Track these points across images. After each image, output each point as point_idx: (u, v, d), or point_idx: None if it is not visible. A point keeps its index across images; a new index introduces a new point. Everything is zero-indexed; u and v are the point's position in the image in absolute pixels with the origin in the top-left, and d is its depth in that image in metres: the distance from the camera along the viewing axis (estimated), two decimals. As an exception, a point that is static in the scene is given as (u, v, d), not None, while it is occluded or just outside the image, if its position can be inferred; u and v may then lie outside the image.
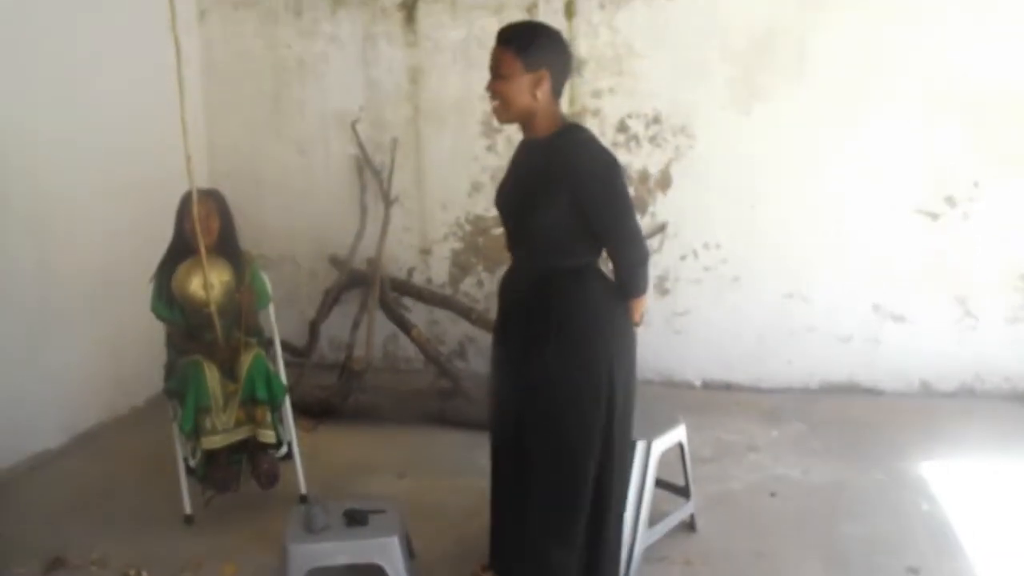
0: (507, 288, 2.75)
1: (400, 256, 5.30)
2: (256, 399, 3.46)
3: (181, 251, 3.59)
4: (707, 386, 5.02)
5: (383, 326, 5.10)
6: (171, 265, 3.60)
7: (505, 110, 2.52)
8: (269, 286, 3.84)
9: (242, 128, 5.37)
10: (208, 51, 5.33)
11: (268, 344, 3.88)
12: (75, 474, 4.06)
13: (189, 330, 3.62)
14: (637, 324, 2.68)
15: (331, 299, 5.12)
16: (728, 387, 5.01)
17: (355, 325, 4.87)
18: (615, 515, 2.69)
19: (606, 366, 2.52)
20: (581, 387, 2.52)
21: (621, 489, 2.72)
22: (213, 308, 3.45)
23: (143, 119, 4.60)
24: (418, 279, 5.30)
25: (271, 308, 3.88)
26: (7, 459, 4.00)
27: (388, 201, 5.15)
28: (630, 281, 2.60)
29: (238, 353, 3.53)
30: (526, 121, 2.56)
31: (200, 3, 5.29)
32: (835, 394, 4.89)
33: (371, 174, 5.20)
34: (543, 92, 2.49)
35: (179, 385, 3.44)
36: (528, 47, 2.46)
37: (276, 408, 3.56)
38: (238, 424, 3.45)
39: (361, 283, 5.09)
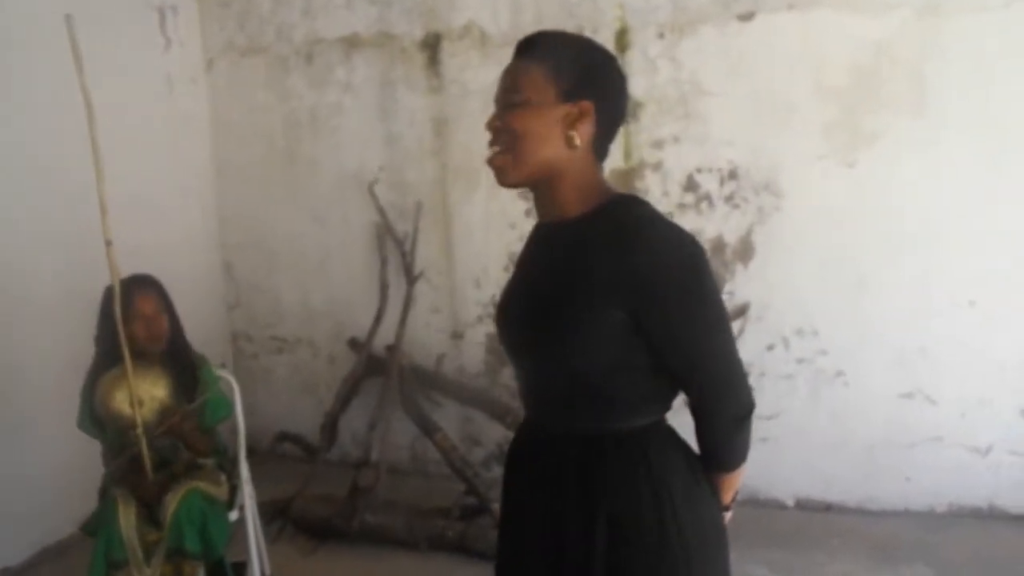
0: (518, 464, 1.75)
1: (428, 341, 4.46)
2: (184, 552, 2.73)
3: (112, 356, 2.87)
4: (802, 506, 4.00)
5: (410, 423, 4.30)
6: (98, 374, 2.92)
7: (518, 160, 1.53)
8: (236, 387, 3.19)
9: (253, 192, 4.70)
10: (216, 105, 4.68)
11: (232, 464, 3.19)
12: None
13: (123, 452, 2.92)
14: (727, 508, 1.70)
15: (347, 390, 4.39)
16: (828, 508, 3.97)
17: (371, 425, 4.11)
18: None
19: None
20: None
21: None
22: (140, 430, 2.74)
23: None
24: (449, 368, 4.45)
25: (239, 417, 3.25)
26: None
27: (411, 277, 4.34)
28: (725, 446, 1.63)
29: (166, 490, 2.81)
30: (547, 187, 1.58)
31: (207, 52, 4.65)
32: (969, 522, 3.79)
33: (393, 244, 4.41)
34: (583, 137, 1.54)
35: (94, 526, 2.78)
36: (566, 63, 1.54)
37: (215, 561, 2.83)
38: None
39: (381, 372, 4.32)
